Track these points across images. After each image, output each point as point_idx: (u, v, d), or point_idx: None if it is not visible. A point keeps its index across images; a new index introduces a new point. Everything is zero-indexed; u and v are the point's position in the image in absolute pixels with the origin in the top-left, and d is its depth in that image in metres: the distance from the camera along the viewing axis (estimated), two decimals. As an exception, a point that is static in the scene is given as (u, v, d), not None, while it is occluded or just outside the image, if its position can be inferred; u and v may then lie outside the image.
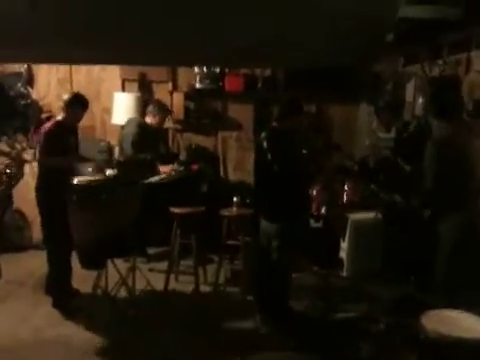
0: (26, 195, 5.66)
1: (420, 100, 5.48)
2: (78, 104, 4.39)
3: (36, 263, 4.97)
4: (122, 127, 5.80)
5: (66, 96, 4.46)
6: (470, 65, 4.64)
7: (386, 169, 5.34)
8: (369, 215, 4.97)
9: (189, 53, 3.08)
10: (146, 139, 5.47)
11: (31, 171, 5.82)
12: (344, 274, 4.96)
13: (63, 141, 4.29)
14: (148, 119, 5.60)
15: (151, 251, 5.61)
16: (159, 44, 2.72)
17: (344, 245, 5.02)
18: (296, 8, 2.39)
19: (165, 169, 5.43)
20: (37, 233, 5.91)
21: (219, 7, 2.30)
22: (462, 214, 3.01)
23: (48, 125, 4.41)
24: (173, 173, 5.41)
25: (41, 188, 4.34)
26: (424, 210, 3.84)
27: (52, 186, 4.24)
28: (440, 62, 5.04)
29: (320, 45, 2.72)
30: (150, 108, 5.65)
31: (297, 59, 3.19)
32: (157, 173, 5.30)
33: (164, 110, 5.72)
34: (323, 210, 5.07)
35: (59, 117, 4.43)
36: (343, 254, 5.01)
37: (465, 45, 4.66)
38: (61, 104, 4.46)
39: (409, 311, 3.53)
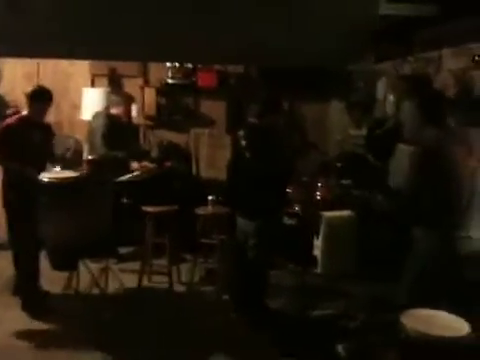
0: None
1: (391, 98, 5.54)
2: (41, 97, 4.16)
3: (2, 264, 4.82)
4: (89, 123, 5.66)
5: (29, 89, 4.23)
6: (441, 64, 4.71)
7: (357, 166, 5.40)
8: (343, 213, 5.01)
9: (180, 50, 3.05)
10: (116, 133, 5.35)
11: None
12: (318, 271, 4.99)
13: (24, 138, 4.06)
14: (113, 110, 5.47)
15: (123, 251, 5.50)
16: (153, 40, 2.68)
17: (318, 243, 5.04)
18: (282, 11, 2.38)
19: (137, 166, 5.33)
20: (3, 233, 5.74)
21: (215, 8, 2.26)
22: (444, 229, 2.99)
23: (9, 120, 4.20)
24: (145, 170, 5.32)
25: (4, 188, 4.16)
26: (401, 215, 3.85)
27: (15, 185, 4.05)
28: (411, 60, 5.10)
29: (309, 46, 2.71)
30: (113, 99, 5.53)
31: (283, 59, 3.18)
32: (129, 171, 5.20)
33: (127, 98, 5.59)
34: (297, 208, 5.09)
35: (24, 112, 4.23)
36: (317, 252, 5.03)
37: (437, 43, 4.72)
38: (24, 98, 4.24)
39: (384, 308, 3.58)
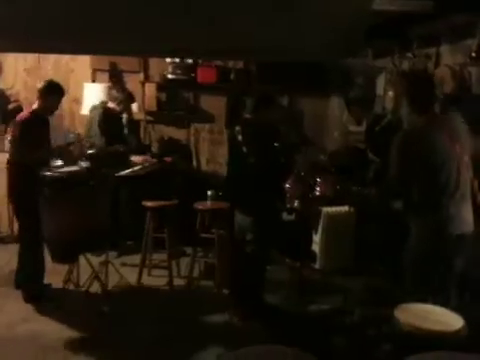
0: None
1: (390, 93, 5.55)
2: (55, 91, 4.24)
3: (4, 257, 4.86)
4: (88, 115, 5.70)
5: (41, 84, 4.28)
6: (439, 59, 4.73)
7: (356, 161, 5.42)
8: (342, 208, 5.04)
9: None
10: (113, 124, 5.39)
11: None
12: (317, 267, 5.02)
13: (40, 130, 4.15)
14: (111, 104, 5.50)
15: (124, 245, 5.53)
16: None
17: (317, 238, 5.07)
18: (278, 6, 2.40)
19: (137, 159, 5.36)
20: (4, 226, 5.78)
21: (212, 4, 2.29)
22: (432, 215, 2.99)
23: (23, 114, 4.25)
24: (146, 164, 5.35)
25: (16, 185, 4.20)
26: (390, 201, 3.87)
27: (26, 181, 4.10)
28: (410, 55, 5.11)
29: (302, 41, 2.73)
30: (111, 93, 5.57)
31: (278, 54, 3.21)
32: (129, 166, 5.23)
33: (127, 96, 5.62)
34: (296, 203, 5.11)
35: (34, 106, 4.26)
36: (316, 247, 5.06)
37: (435, 39, 4.74)
38: (37, 93, 4.27)
39: (382, 303, 3.61)
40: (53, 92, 4.23)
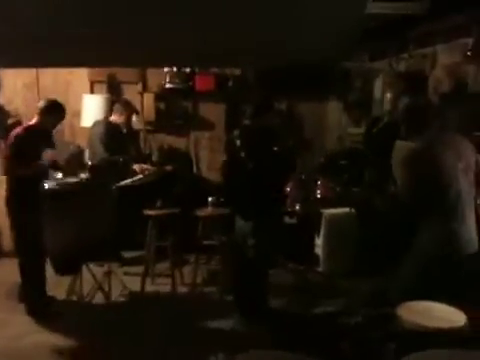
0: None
1: (388, 95, 5.57)
2: (55, 111, 4.23)
3: (8, 271, 4.86)
4: (90, 130, 5.73)
5: (43, 102, 4.27)
6: (436, 59, 4.74)
7: (356, 163, 5.42)
8: (343, 210, 5.04)
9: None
10: (115, 139, 5.41)
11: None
12: (320, 270, 5.01)
13: (32, 147, 4.11)
14: (114, 117, 5.53)
15: (126, 255, 5.54)
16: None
17: (319, 241, 5.07)
18: (269, 10, 2.41)
19: (138, 170, 5.37)
20: (8, 241, 5.79)
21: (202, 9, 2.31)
22: (435, 230, 3.00)
23: (18, 130, 4.22)
24: (146, 174, 5.36)
25: (10, 199, 4.16)
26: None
27: (22, 195, 4.08)
28: (406, 56, 5.13)
29: (293, 43, 2.74)
30: (115, 107, 5.59)
31: (269, 58, 3.22)
32: (130, 175, 5.24)
33: (129, 107, 5.65)
34: (297, 206, 5.12)
35: (32, 122, 4.24)
36: (318, 250, 5.06)
37: (431, 39, 4.76)
38: (37, 109, 4.24)
39: (386, 304, 3.60)
40: (53, 112, 4.22)
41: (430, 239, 2.97)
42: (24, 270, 4.27)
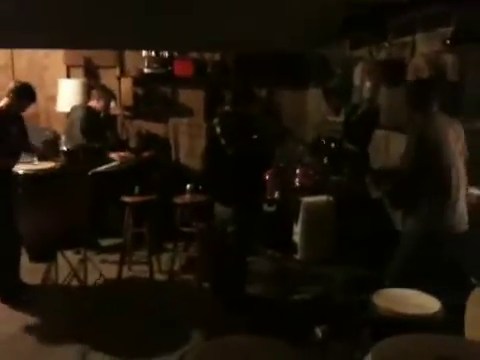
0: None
1: (368, 83, 5.57)
2: (26, 95, 4.14)
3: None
4: (67, 115, 5.62)
5: (13, 84, 4.17)
6: (415, 48, 4.75)
7: (334, 151, 5.44)
8: (321, 198, 5.05)
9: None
10: (94, 125, 5.34)
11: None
12: (298, 257, 5.03)
13: (2, 130, 4.02)
14: (92, 103, 5.46)
15: (103, 242, 5.48)
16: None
17: (297, 229, 5.08)
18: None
19: (115, 156, 5.29)
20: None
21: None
22: (433, 210, 3.07)
23: None
24: (123, 160, 5.28)
25: None
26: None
27: None
28: (386, 45, 5.13)
29: (274, 31, 2.72)
30: (93, 92, 5.52)
31: (252, 44, 3.20)
32: (107, 161, 5.16)
33: (107, 93, 5.57)
34: (276, 194, 5.11)
35: (0, 104, 4.16)
36: (297, 238, 5.07)
37: (410, 28, 4.76)
38: (7, 91, 4.14)
39: (363, 291, 3.63)
40: (24, 96, 4.13)
41: (432, 214, 3.06)
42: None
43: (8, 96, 4.12)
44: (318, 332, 3.29)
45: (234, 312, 3.96)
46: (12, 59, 6.06)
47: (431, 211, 3.07)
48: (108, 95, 5.56)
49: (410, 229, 3.17)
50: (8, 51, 5.96)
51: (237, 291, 4.10)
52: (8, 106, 4.12)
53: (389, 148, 5.10)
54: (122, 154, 5.37)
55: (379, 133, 5.20)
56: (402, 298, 2.61)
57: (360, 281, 4.15)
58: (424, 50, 4.56)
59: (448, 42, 4.08)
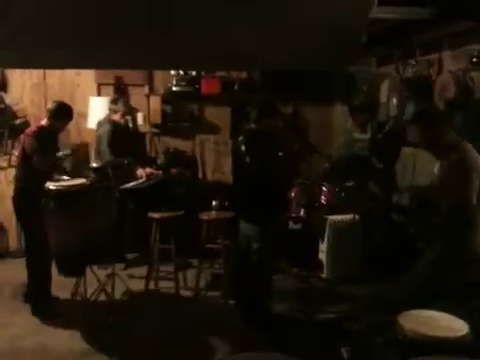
0: (1, 202, 5.58)
1: (394, 100, 5.56)
2: (63, 115, 4.29)
3: (13, 271, 4.89)
4: (96, 130, 5.75)
5: (51, 104, 4.33)
6: (442, 65, 4.74)
7: (361, 169, 5.41)
8: (347, 216, 5.02)
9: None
10: (120, 138, 5.42)
11: (5, 178, 5.74)
12: (324, 276, 5.00)
13: (45, 146, 4.17)
14: (115, 117, 5.53)
15: (130, 257, 5.55)
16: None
17: (323, 247, 5.05)
18: (270, 14, 2.42)
19: (143, 172, 5.38)
20: (13, 241, 5.84)
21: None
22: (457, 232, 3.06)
23: (33, 128, 4.31)
24: (152, 176, 5.36)
25: (18, 196, 4.24)
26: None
27: (29, 193, 4.15)
28: (413, 62, 5.12)
29: (300, 49, 2.74)
30: (112, 106, 5.58)
31: (277, 62, 3.23)
32: (135, 178, 5.25)
33: (127, 106, 5.66)
34: (302, 212, 5.10)
35: (42, 123, 4.31)
36: (322, 256, 5.04)
37: (437, 45, 4.76)
38: (46, 112, 4.32)
39: (388, 310, 3.59)
40: (62, 115, 4.28)
41: (458, 237, 3.03)
42: (31, 270, 4.30)
43: (48, 117, 4.28)
44: (344, 352, 3.28)
45: (259, 330, 3.96)
46: (44, 77, 6.25)
47: (458, 234, 3.04)
48: (127, 109, 5.64)
49: (435, 250, 3.13)
50: (41, 70, 6.14)
51: (262, 309, 4.09)
52: (48, 126, 4.27)
53: (416, 166, 5.06)
54: (149, 170, 5.44)
55: (406, 150, 5.17)
56: (429, 320, 2.58)
57: (386, 301, 4.10)
58: (451, 68, 4.54)
59: (475, 60, 4.06)
